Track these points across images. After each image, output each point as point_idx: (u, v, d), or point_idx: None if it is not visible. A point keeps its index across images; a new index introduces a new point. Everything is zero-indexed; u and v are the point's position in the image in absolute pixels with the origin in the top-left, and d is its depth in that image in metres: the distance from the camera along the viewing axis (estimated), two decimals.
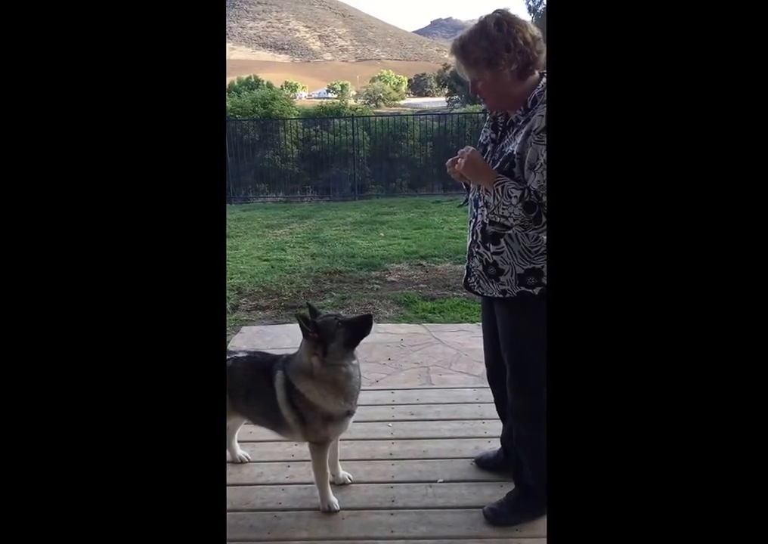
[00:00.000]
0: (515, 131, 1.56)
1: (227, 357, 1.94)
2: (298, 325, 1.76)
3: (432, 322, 3.96)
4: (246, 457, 2.15)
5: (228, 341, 3.60)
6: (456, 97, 39.71)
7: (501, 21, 1.48)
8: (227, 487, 1.98)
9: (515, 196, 1.47)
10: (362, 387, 2.26)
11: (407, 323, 3.93)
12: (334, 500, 1.88)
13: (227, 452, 2.14)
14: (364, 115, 12.08)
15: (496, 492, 1.92)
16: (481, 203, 1.63)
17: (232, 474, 2.08)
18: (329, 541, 1.77)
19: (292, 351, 1.91)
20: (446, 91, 49.55)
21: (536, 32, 1.51)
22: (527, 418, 1.72)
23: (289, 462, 2.13)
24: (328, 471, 1.91)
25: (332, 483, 1.95)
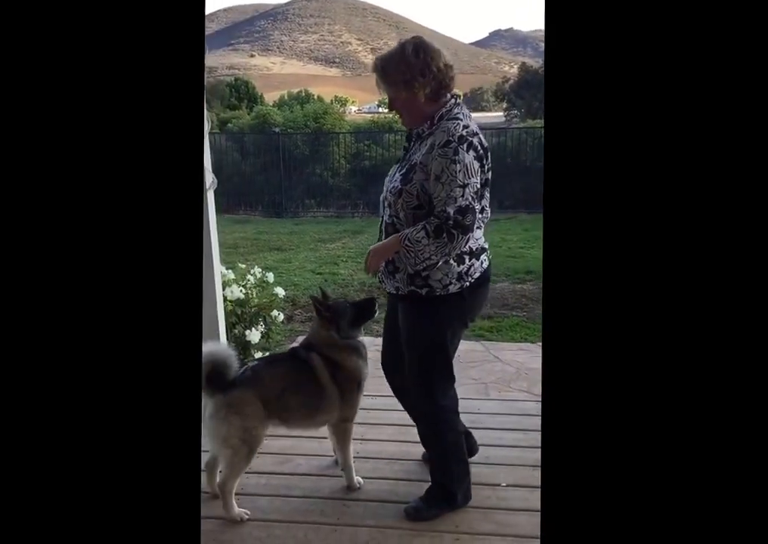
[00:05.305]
0: (420, 142, 1.83)
1: (245, 368, 2.06)
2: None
3: (489, 340, 4.09)
4: (246, 514, 2.07)
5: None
6: (515, 111, 38.83)
7: (419, 48, 1.75)
8: None
9: (423, 236, 1.71)
10: None
11: (464, 340, 4.06)
12: (359, 478, 2.19)
13: (224, 511, 2.05)
14: None
15: None
16: (385, 203, 1.91)
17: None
18: (394, 530, 1.96)
19: None
20: (504, 105, 48.80)
21: (448, 60, 1.80)
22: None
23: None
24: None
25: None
